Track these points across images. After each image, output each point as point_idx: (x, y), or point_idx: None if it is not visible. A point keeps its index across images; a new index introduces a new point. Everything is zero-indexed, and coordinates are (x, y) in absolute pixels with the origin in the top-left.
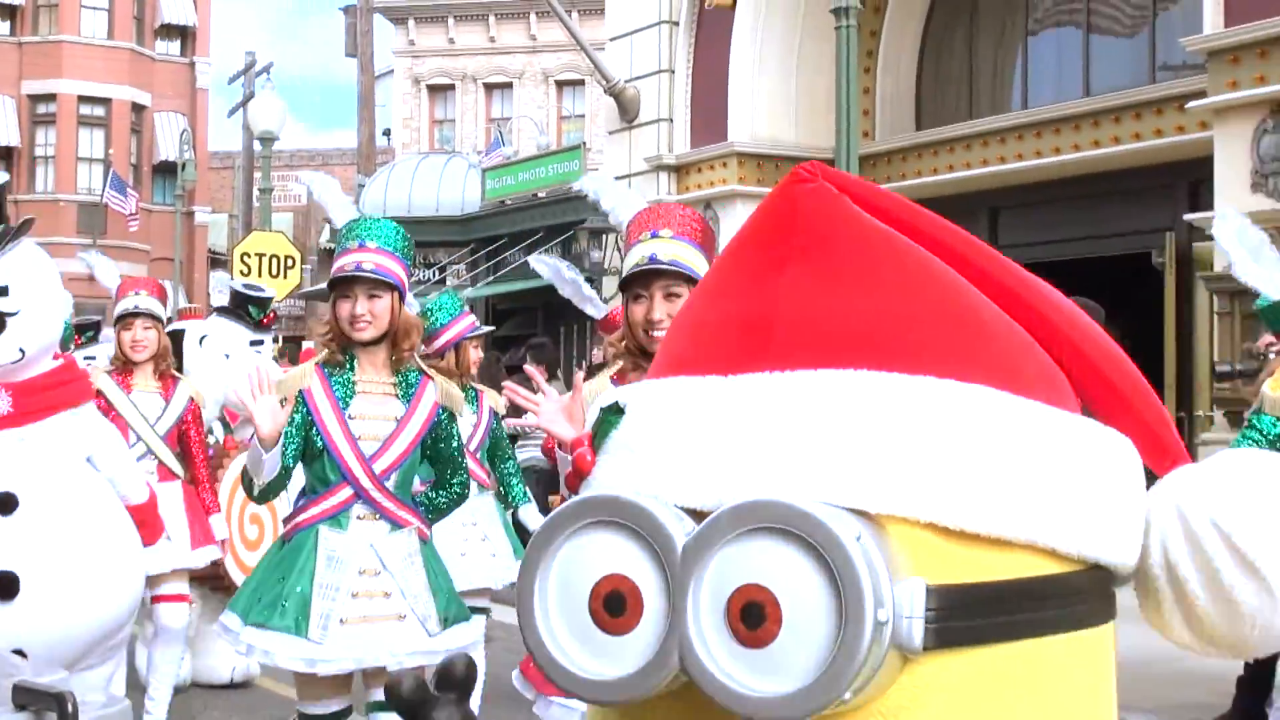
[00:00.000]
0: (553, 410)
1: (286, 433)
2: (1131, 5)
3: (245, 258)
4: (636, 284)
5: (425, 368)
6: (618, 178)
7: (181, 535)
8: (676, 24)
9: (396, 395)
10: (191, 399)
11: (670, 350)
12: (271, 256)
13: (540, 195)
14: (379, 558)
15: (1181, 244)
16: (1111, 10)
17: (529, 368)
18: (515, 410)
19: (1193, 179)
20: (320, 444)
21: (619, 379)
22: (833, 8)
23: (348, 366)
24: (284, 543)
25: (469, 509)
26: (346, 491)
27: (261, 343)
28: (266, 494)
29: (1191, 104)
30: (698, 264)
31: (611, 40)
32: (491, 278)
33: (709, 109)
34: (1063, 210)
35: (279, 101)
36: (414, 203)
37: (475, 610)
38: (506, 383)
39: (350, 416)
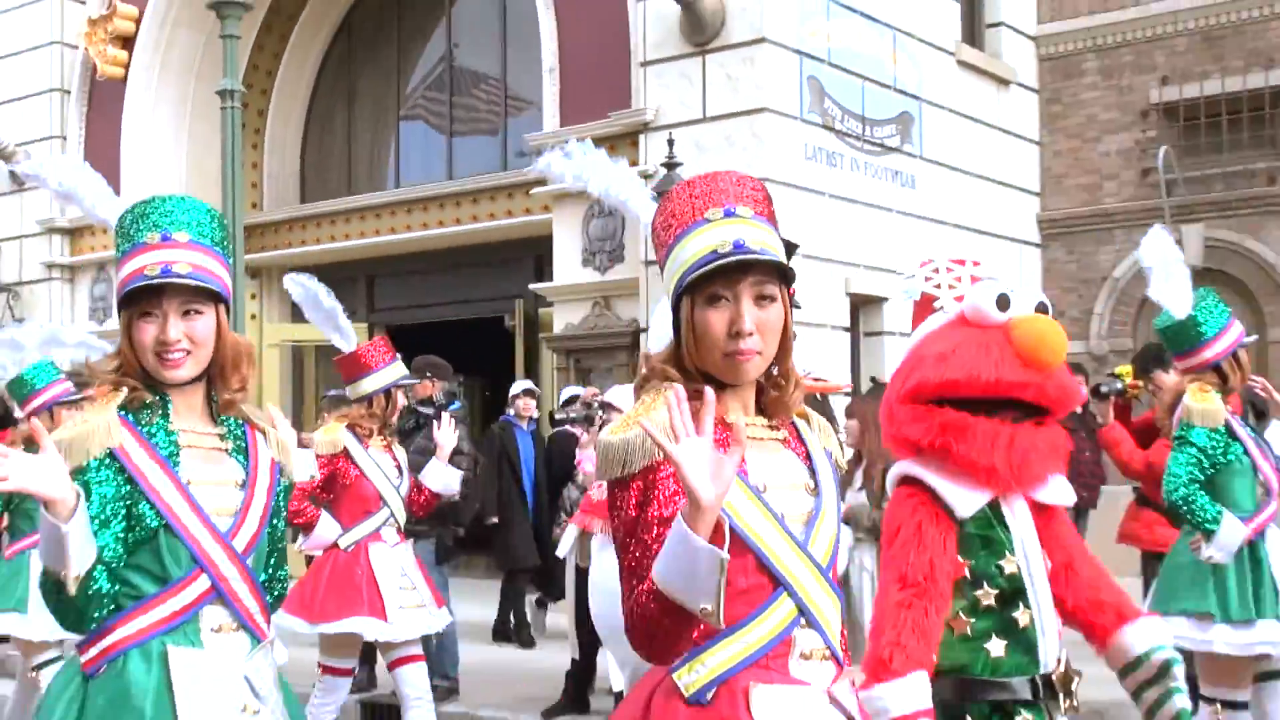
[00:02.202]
0: (702, 454)
1: (98, 510)
2: (488, 101)
3: None
4: (717, 281)
5: (246, 413)
6: (7, 239)
7: None
8: (69, 92)
9: (228, 451)
10: None
11: None
12: None
13: None
14: (251, 686)
15: (529, 309)
16: (471, 103)
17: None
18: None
19: (538, 254)
20: (154, 522)
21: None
22: (218, 89)
23: (160, 413)
24: (86, 677)
25: None
26: (199, 587)
27: None
28: (86, 604)
29: (535, 190)
30: (782, 253)
31: (1, 104)
32: None
33: (102, 176)
34: (431, 279)
35: None
36: None
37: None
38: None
39: (186, 482)
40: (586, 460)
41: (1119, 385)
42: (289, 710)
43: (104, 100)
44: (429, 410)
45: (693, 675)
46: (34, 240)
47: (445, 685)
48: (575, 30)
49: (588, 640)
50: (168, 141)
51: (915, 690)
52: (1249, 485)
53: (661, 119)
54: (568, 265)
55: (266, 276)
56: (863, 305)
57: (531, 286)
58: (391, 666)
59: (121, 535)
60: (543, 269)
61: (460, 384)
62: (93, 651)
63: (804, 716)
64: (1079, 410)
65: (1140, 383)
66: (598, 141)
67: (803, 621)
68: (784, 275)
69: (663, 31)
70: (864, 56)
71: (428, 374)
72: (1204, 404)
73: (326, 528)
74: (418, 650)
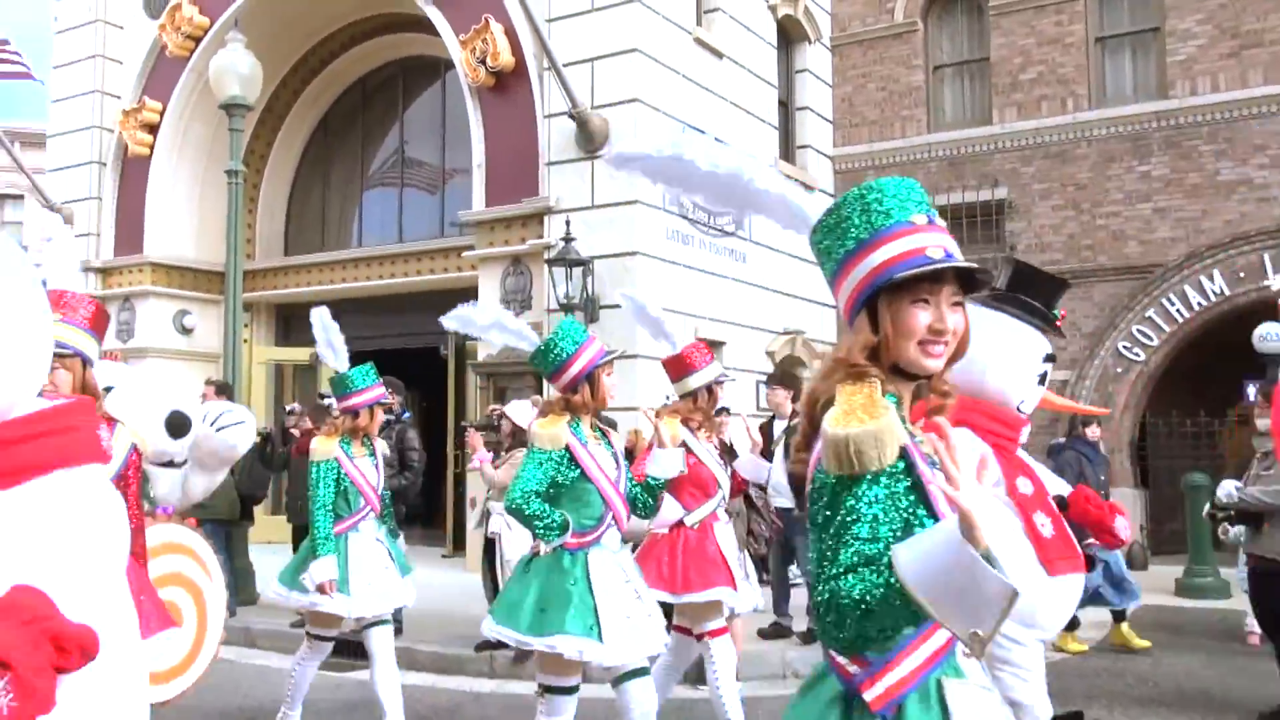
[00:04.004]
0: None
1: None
2: (430, 183)
3: None
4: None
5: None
6: None
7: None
8: (105, 165)
9: None
10: (135, 448)
11: None
12: None
13: None
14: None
15: (458, 342)
16: (418, 184)
17: None
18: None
19: (466, 300)
20: None
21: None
22: (226, 169)
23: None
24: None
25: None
26: None
27: None
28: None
29: (466, 253)
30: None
31: (51, 170)
32: None
33: (130, 228)
34: (384, 316)
35: None
36: None
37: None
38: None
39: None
40: (478, 458)
41: (466, 422)
42: None
43: (132, 173)
44: (389, 417)
45: None
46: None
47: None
48: (498, 137)
49: (494, 590)
50: (182, 204)
51: None
52: None
53: (561, 205)
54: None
55: (256, 310)
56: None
57: None
58: (702, 636)
59: None
60: None
61: (407, 398)
62: (878, 688)
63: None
64: None
65: None
66: (511, 220)
67: None
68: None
69: (563, 141)
70: None
71: (388, 389)
72: None
73: (670, 509)
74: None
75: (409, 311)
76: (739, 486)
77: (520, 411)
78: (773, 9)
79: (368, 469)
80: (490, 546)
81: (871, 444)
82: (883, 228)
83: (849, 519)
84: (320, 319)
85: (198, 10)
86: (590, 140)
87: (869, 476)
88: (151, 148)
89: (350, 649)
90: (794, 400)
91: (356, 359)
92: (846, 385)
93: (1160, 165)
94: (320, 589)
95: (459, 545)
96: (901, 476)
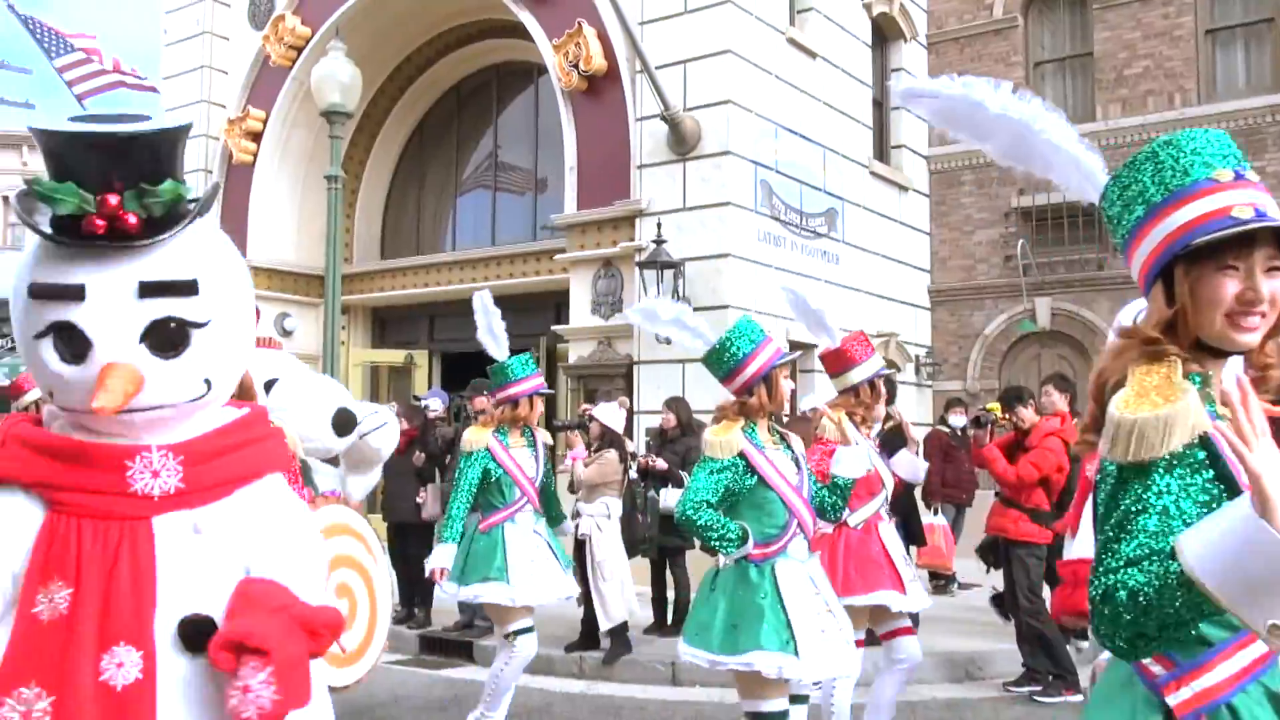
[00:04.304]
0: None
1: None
2: (522, 187)
3: None
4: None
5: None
6: None
7: None
8: (210, 172)
9: None
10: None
11: None
12: None
13: None
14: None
15: (550, 344)
16: (510, 189)
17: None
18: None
19: (558, 303)
20: None
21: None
22: (326, 175)
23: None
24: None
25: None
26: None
27: None
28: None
29: (558, 256)
30: None
31: None
32: None
33: (232, 233)
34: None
35: None
36: None
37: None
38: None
39: None
40: (572, 456)
41: (992, 416)
42: None
43: (236, 179)
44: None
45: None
46: None
47: (485, 625)
48: (590, 140)
49: (585, 595)
50: (284, 210)
51: None
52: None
53: (652, 207)
54: (580, 312)
55: (353, 313)
56: (798, 350)
57: (553, 327)
58: (886, 637)
59: None
60: (561, 314)
61: None
62: (1184, 693)
63: None
64: (959, 432)
65: (1006, 415)
66: (602, 223)
67: None
68: None
69: (654, 143)
70: (801, 166)
71: (484, 390)
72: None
73: None
74: (908, 622)
75: (501, 312)
76: (899, 486)
77: (609, 413)
78: (867, 7)
79: (525, 460)
80: (581, 547)
81: (1158, 430)
82: (1179, 188)
83: (1135, 509)
84: (482, 302)
85: (299, 21)
86: (682, 143)
87: (1163, 465)
88: (255, 155)
89: (444, 646)
90: (889, 402)
91: (449, 360)
92: (1141, 365)
93: (1275, 161)
94: (432, 574)
95: None
96: (1203, 467)
